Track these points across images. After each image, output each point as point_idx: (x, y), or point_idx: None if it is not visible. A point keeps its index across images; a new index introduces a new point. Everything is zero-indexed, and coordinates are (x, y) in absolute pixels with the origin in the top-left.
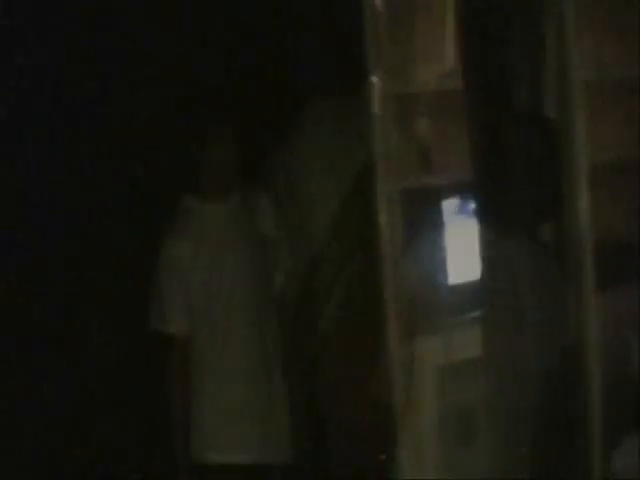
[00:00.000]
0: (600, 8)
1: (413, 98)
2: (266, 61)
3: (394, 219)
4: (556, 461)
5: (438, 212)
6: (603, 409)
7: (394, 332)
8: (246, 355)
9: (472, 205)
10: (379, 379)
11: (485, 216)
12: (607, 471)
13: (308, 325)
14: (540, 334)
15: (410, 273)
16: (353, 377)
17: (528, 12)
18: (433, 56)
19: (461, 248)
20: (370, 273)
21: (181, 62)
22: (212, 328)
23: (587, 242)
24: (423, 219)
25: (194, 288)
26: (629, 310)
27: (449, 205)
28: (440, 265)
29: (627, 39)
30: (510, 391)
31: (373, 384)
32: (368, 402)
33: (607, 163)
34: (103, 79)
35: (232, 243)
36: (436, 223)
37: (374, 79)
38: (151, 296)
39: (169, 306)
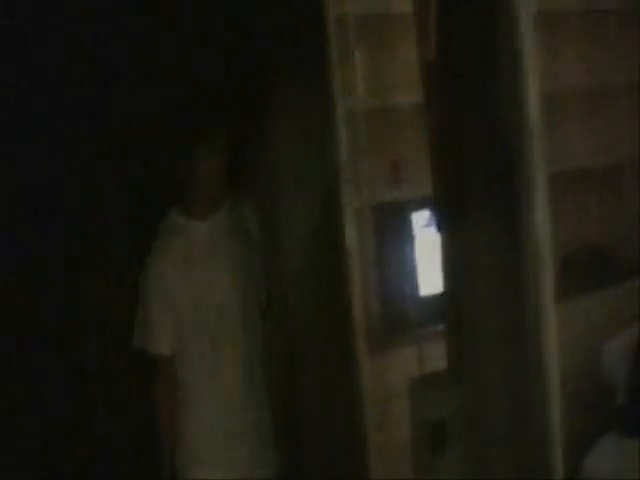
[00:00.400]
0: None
1: (382, 114)
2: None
3: (364, 233)
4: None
5: (408, 225)
6: (572, 415)
7: (362, 346)
8: (234, 372)
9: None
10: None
11: (449, 230)
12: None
13: (281, 339)
14: (504, 344)
15: (380, 286)
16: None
17: (486, 34)
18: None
19: (431, 260)
20: (339, 288)
21: (166, 76)
22: (201, 345)
23: (546, 254)
24: (393, 233)
25: (181, 306)
26: (600, 315)
27: (418, 218)
28: (411, 277)
29: (584, 52)
30: (480, 401)
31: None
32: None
33: (569, 172)
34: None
35: (220, 259)
36: (406, 236)
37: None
38: (136, 315)
39: (155, 326)
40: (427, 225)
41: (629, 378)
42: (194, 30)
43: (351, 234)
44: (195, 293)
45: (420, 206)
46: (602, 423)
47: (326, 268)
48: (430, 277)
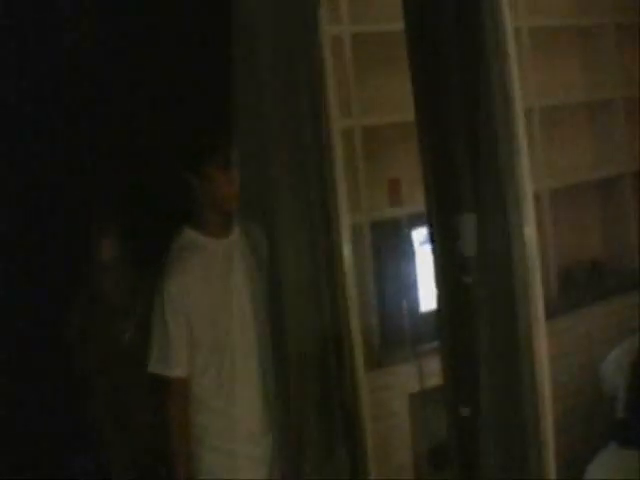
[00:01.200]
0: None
1: (378, 132)
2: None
3: (362, 250)
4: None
5: (408, 242)
6: (572, 426)
7: (360, 363)
8: (251, 391)
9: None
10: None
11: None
12: None
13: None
14: (496, 360)
15: (380, 302)
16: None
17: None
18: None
19: (430, 277)
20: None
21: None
22: (217, 364)
23: (535, 268)
24: (392, 249)
25: (198, 325)
26: (599, 328)
27: (418, 235)
28: (410, 294)
29: (581, 65)
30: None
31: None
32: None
33: (568, 186)
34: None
35: (237, 277)
36: (405, 253)
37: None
38: (151, 337)
39: (171, 347)
40: (426, 242)
41: (628, 390)
42: (195, 47)
43: (348, 251)
44: (212, 312)
45: (420, 223)
46: (602, 435)
47: (323, 284)
48: (430, 293)
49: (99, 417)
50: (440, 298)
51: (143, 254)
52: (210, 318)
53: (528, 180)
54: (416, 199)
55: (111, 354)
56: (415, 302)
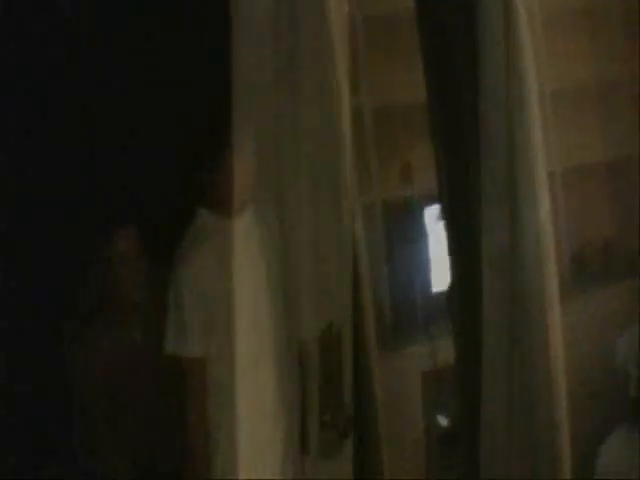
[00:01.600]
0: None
1: (390, 112)
2: None
3: (374, 230)
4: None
5: (420, 221)
6: (586, 407)
7: (373, 343)
8: (267, 373)
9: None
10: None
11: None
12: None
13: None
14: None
15: (392, 283)
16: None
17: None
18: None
19: (442, 256)
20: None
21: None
22: (234, 346)
23: (549, 250)
24: (405, 228)
25: (215, 306)
26: (613, 309)
27: (431, 214)
28: (423, 274)
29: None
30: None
31: None
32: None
33: (580, 167)
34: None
35: (253, 258)
36: (418, 232)
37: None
38: (168, 319)
39: (189, 328)
40: (438, 222)
41: None
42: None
43: (360, 231)
44: (227, 294)
45: (432, 203)
46: (615, 415)
47: (335, 265)
48: (442, 273)
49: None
50: (453, 279)
51: (159, 244)
52: (226, 297)
53: (542, 162)
54: (428, 179)
55: (121, 356)
56: (427, 282)
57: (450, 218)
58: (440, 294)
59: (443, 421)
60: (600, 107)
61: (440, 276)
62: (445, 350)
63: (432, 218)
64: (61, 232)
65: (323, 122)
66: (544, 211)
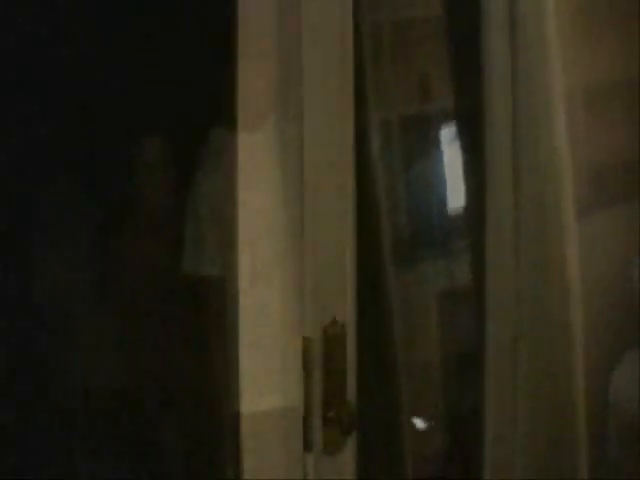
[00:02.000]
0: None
1: (406, 26)
2: None
3: (391, 146)
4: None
5: (436, 138)
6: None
7: (390, 261)
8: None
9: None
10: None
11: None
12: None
13: None
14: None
15: (408, 200)
16: None
17: None
18: None
19: (459, 174)
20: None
21: None
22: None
23: (567, 172)
24: (421, 146)
25: (234, 223)
26: (629, 229)
27: (446, 132)
28: (439, 191)
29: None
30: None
31: None
32: None
33: (600, 85)
34: None
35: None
36: (433, 150)
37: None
38: (185, 236)
39: (207, 245)
40: (455, 139)
41: None
42: None
43: (376, 149)
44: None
45: (449, 120)
46: (630, 338)
47: (352, 181)
48: (459, 191)
49: None
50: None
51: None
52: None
53: (559, 83)
54: (446, 95)
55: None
56: (444, 199)
57: (464, 134)
58: (457, 210)
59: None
60: (620, 23)
61: (457, 193)
62: (461, 267)
63: (450, 135)
64: None
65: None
66: (559, 129)
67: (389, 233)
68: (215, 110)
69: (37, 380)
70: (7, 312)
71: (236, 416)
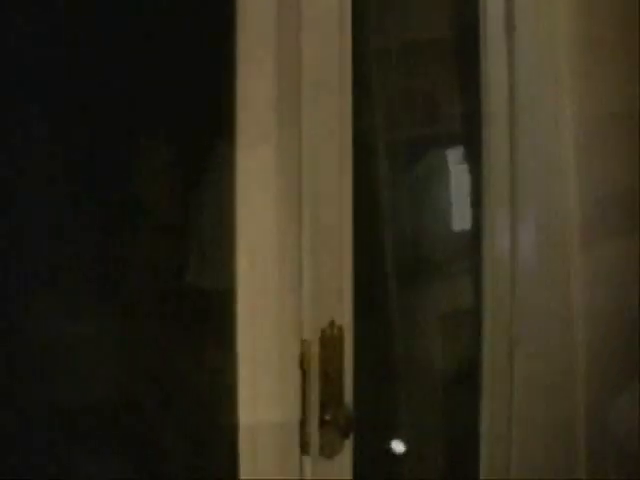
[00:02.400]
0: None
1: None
2: None
3: (396, 169)
4: None
5: (441, 160)
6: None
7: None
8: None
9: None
10: None
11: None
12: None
13: None
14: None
15: (412, 221)
16: None
17: None
18: None
19: (462, 195)
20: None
21: None
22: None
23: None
24: (424, 168)
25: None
26: (631, 259)
27: (451, 153)
28: (443, 212)
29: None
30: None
31: None
32: None
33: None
34: None
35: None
36: (438, 171)
37: None
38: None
39: (205, 250)
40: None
41: None
42: None
43: (383, 169)
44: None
45: (457, 141)
46: (630, 368)
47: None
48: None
49: None
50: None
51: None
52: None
53: (560, 114)
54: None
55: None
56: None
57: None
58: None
59: None
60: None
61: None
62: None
63: (456, 157)
64: None
65: None
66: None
67: (390, 244)
68: (214, 111)
69: (36, 381)
70: (7, 312)
71: (233, 420)
